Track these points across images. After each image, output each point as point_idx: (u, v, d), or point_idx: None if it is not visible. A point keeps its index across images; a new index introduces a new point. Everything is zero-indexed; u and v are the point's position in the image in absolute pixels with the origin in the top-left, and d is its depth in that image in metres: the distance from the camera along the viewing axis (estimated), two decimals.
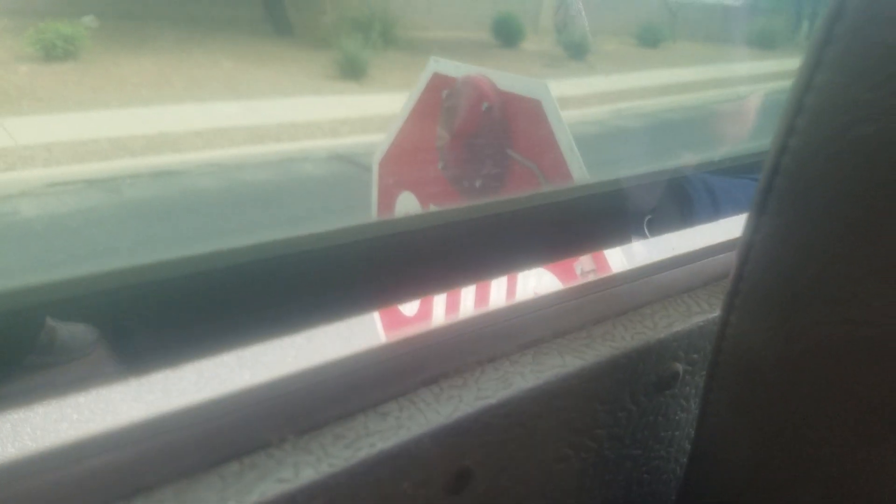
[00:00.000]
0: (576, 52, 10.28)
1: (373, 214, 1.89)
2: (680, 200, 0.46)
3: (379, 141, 1.96)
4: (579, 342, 0.39)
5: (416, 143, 1.82)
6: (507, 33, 10.93)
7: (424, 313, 1.82)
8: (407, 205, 1.76)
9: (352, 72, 7.59)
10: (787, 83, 0.27)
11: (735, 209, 0.58)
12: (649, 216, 0.41)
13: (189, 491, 0.27)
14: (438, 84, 1.74)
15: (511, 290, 1.52)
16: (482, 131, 1.61)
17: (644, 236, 0.41)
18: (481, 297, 1.69)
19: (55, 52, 6.44)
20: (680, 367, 0.42)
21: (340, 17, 9.03)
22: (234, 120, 5.49)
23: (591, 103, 7.21)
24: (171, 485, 0.27)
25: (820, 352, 0.26)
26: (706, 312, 0.43)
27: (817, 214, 0.26)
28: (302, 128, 5.56)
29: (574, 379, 0.37)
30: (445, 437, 0.32)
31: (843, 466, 0.26)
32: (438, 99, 1.74)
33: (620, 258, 1.24)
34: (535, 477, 0.38)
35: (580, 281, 0.41)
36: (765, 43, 9.82)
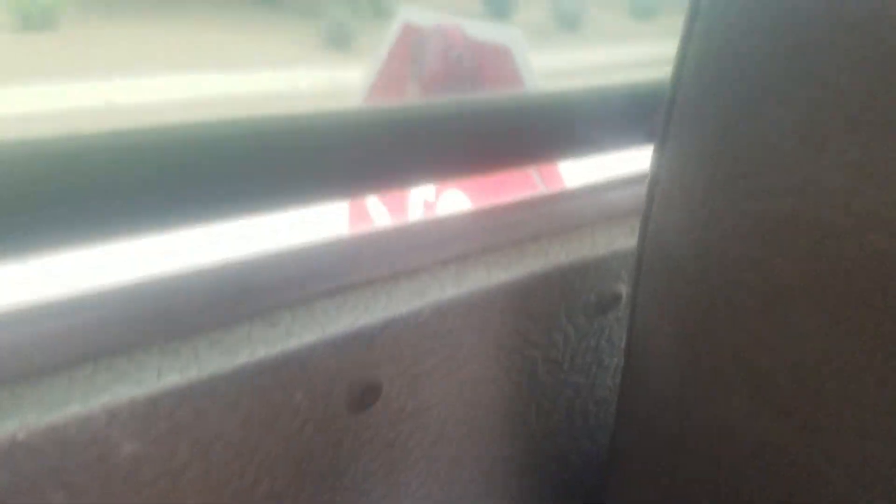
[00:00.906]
0: (569, 23, 10.29)
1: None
2: (636, 117, 0.44)
3: (355, 94, 1.92)
4: (509, 258, 0.36)
5: (388, 96, 1.78)
6: (498, 4, 10.86)
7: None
8: None
9: (340, 42, 7.49)
10: None
11: None
12: (605, 131, 0.40)
13: (28, 393, 0.25)
14: (409, 34, 1.70)
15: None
16: (452, 81, 1.57)
17: (598, 151, 0.40)
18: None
19: (32, 21, 6.31)
20: (623, 288, 0.39)
21: None
22: (218, 90, 5.41)
23: (583, 75, 7.14)
24: (6, 386, 0.25)
25: (737, 233, 0.25)
26: None
27: (723, 107, 0.25)
28: (287, 98, 5.49)
29: (499, 292, 0.34)
30: (346, 348, 0.30)
31: (767, 358, 0.25)
32: (408, 50, 1.70)
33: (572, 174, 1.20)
34: (459, 397, 0.35)
35: (515, 197, 0.39)
36: None
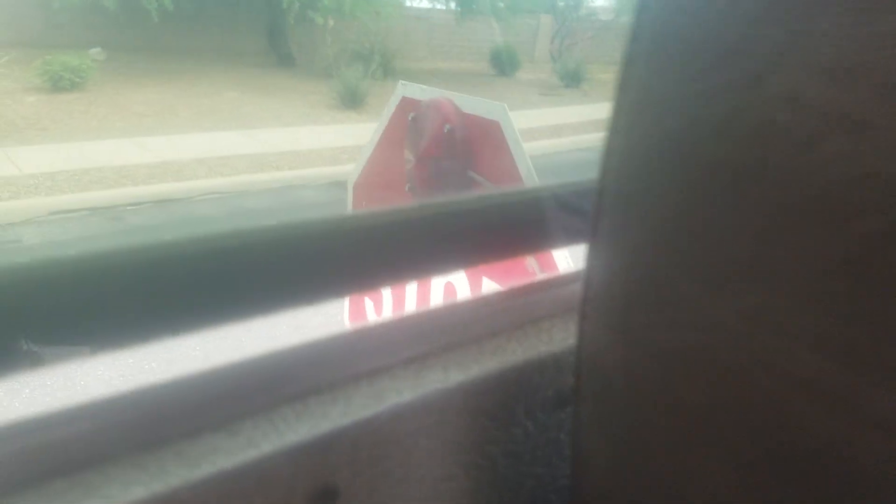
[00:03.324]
0: (570, 80, 10.57)
1: None
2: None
3: (355, 162, 2.03)
4: (467, 356, 0.36)
5: (387, 165, 1.89)
6: (503, 63, 11.20)
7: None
8: None
9: (352, 102, 7.75)
10: None
11: None
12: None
13: None
14: (406, 107, 1.81)
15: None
16: (445, 152, 1.66)
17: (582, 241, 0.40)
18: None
19: (62, 83, 6.65)
20: None
21: (342, 49, 9.26)
22: (236, 148, 5.62)
23: (587, 130, 7.32)
24: None
25: (654, 358, 0.26)
26: None
27: (641, 225, 0.26)
28: (303, 156, 5.67)
29: (457, 394, 0.34)
30: (303, 456, 0.30)
31: (685, 480, 0.26)
32: (406, 121, 1.81)
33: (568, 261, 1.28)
34: (417, 497, 0.35)
35: (474, 294, 0.40)
36: None
